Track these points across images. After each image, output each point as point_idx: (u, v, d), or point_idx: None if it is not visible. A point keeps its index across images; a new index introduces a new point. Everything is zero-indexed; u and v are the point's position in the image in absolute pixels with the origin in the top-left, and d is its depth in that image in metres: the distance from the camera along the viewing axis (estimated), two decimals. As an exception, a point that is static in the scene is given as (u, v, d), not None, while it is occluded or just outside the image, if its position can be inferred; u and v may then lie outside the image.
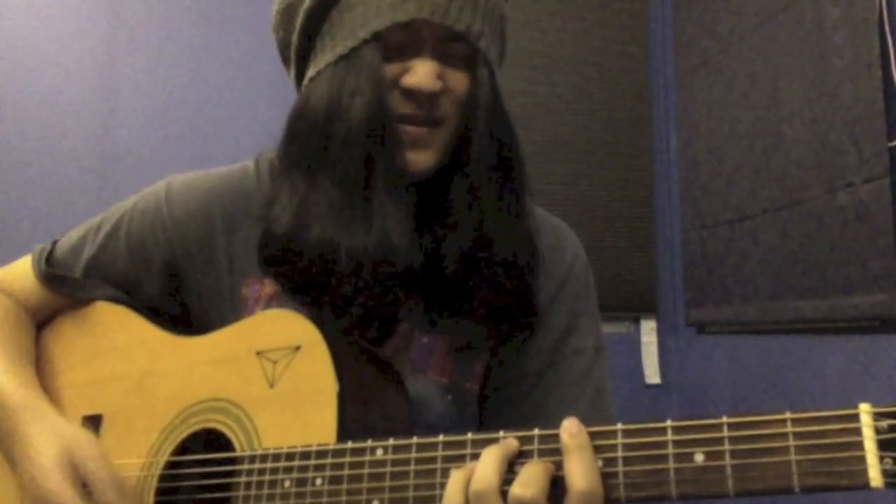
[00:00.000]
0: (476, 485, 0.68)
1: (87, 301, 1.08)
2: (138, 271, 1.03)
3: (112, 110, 2.73)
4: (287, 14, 0.97)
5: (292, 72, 1.01)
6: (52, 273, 1.07)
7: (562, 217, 1.11)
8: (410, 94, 0.89)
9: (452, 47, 0.91)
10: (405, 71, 0.89)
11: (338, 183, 0.89)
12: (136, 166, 2.68)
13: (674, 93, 2.99)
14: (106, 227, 1.06)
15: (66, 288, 1.07)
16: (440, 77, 0.89)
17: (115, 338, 1.04)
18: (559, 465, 0.67)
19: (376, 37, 0.88)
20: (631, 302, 2.92)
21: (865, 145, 2.00)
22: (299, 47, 0.97)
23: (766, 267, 2.40)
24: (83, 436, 0.93)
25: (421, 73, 0.88)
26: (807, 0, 2.26)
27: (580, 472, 0.65)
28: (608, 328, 2.83)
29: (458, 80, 0.92)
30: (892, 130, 1.94)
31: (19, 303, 1.09)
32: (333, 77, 0.91)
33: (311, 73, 0.95)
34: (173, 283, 1.02)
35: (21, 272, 1.09)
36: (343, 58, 0.90)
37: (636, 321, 2.96)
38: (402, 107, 0.90)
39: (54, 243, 1.10)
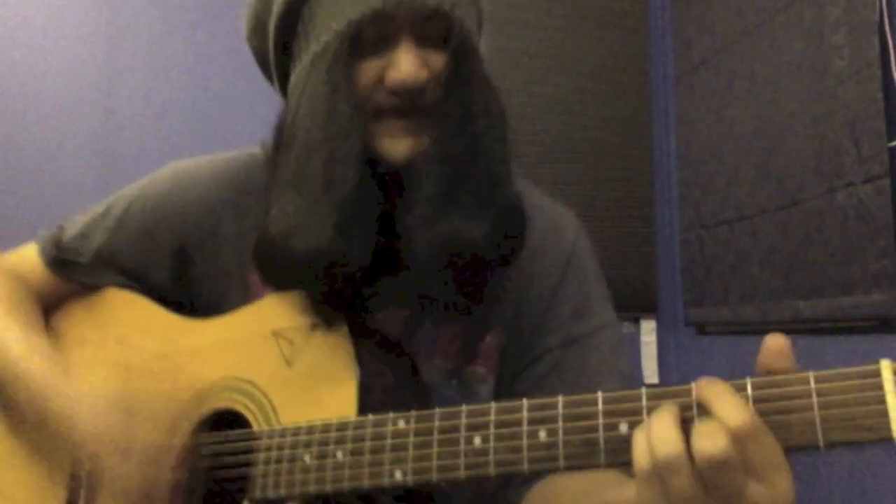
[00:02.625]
0: (662, 448, 0.62)
1: (96, 288, 1.07)
2: (147, 258, 1.03)
3: (112, 110, 2.73)
4: (259, 26, 0.96)
5: (276, 82, 0.99)
6: (61, 258, 1.06)
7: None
8: (396, 89, 0.85)
9: (429, 26, 0.86)
10: (387, 66, 0.85)
11: (312, 190, 0.85)
12: (136, 166, 2.65)
13: (674, 93, 2.99)
14: (114, 214, 1.05)
15: (75, 274, 1.07)
16: (423, 64, 0.85)
17: (127, 322, 1.04)
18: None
19: (349, 28, 0.84)
20: (631, 302, 2.91)
21: (865, 145, 2.01)
22: (278, 57, 0.95)
23: (765, 267, 2.41)
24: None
25: (405, 67, 0.84)
26: (806, 0, 2.27)
27: (733, 408, 0.61)
28: (608, 328, 2.83)
29: (441, 62, 0.87)
30: (892, 130, 1.94)
31: (25, 283, 1.08)
32: (309, 79, 0.88)
33: (293, 78, 0.93)
34: (182, 269, 1.02)
35: (26, 258, 1.09)
36: (318, 55, 0.87)
37: (636, 321, 2.95)
38: (388, 101, 0.86)
39: (60, 228, 1.09)
